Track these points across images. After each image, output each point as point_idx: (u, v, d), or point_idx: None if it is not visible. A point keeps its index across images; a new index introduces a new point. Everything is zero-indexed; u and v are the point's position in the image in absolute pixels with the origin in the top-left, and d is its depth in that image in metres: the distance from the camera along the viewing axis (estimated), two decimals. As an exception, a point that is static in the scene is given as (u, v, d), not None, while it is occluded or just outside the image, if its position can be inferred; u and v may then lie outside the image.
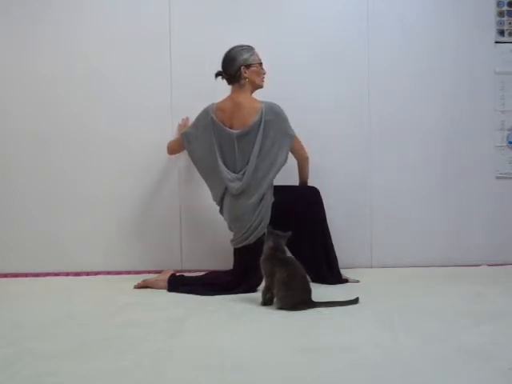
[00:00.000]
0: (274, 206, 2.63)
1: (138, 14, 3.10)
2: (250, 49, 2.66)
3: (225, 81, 2.69)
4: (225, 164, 2.60)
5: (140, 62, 3.09)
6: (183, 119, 2.99)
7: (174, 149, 2.88)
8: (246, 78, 2.63)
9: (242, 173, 2.58)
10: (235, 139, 2.57)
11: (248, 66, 2.64)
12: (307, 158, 2.78)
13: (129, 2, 3.11)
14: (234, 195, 2.59)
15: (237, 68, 2.62)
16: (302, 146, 2.72)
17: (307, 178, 2.84)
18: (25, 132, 3.08)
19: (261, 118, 2.57)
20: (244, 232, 2.57)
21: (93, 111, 3.09)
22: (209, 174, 2.69)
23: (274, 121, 2.58)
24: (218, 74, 2.68)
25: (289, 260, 2.28)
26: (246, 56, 2.64)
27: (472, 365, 1.57)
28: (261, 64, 2.69)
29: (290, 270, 2.21)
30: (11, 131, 3.09)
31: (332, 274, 2.73)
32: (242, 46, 2.66)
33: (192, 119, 2.78)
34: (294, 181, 2.86)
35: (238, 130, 2.58)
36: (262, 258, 2.31)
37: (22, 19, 3.07)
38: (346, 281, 2.74)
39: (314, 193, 2.78)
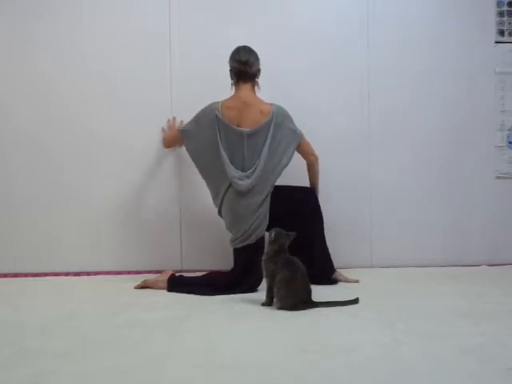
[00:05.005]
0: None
1: (138, 14, 3.10)
2: None
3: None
4: (232, 162, 2.58)
5: (140, 62, 3.09)
6: (169, 120, 3.02)
7: (169, 143, 2.96)
8: (257, 80, 2.67)
9: (251, 171, 2.56)
10: (245, 137, 2.57)
11: (259, 71, 2.68)
12: (317, 159, 2.78)
13: (129, 2, 3.11)
14: (239, 194, 2.56)
15: (259, 68, 2.65)
16: (311, 147, 2.74)
17: (317, 179, 2.83)
18: (25, 132, 3.08)
19: (271, 119, 2.58)
20: (244, 231, 2.56)
21: (93, 111, 3.09)
22: (209, 172, 2.67)
23: (282, 122, 2.61)
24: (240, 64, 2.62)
25: (291, 260, 2.27)
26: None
27: (472, 365, 1.56)
28: None
29: (291, 270, 2.21)
30: (11, 131, 3.08)
31: (322, 275, 2.66)
32: None
33: (184, 119, 2.82)
34: (292, 181, 2.83)
35: (249, 129, 2.57)
36: (265, 257, 2.30)
37: (22, 19, 3.07)
38: (335, 282, 2.72)
39: (311, 192, 2.78)
